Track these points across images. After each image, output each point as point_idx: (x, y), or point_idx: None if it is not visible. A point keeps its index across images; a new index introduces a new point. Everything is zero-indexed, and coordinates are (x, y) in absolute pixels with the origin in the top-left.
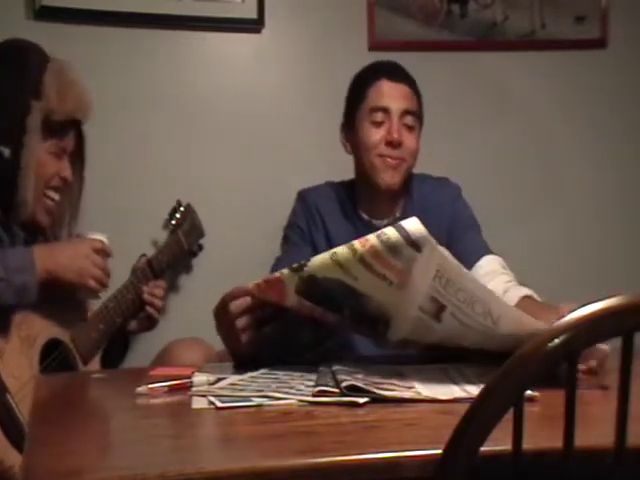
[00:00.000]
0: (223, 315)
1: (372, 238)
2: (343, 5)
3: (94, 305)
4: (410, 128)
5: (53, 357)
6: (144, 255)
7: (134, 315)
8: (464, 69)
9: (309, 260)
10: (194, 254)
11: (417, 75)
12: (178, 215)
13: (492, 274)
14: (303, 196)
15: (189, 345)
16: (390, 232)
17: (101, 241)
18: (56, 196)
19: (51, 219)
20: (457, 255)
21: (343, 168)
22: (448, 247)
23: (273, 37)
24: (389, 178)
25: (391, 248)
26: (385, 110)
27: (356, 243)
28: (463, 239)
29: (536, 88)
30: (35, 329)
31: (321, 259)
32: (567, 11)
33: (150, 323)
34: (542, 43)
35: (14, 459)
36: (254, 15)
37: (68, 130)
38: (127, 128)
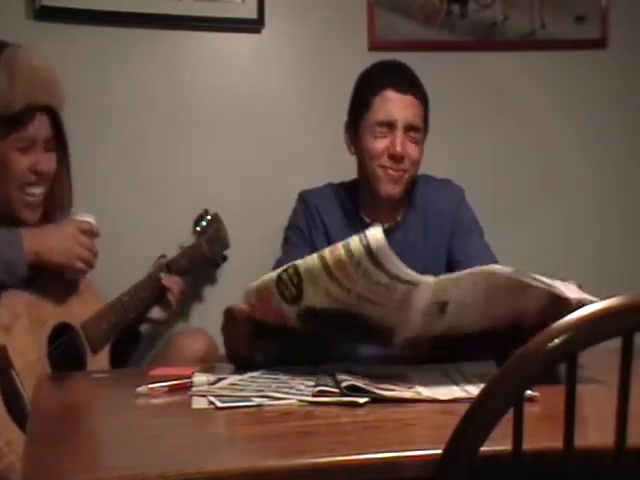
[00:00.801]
0: (230, 324)
1: (339, 247)
2: (343, 5)
3: (108, 297)
4: (414, 141)
5: (62, 340)
6: (163, 256)
7: (155, 302)
8: (464, 69)
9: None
10: (217, 264)
11: (417, 75)
12: (204, 223)
13: None
14: (304, 197)
15: (192, 335)
16: (353, 240)
17: (88, 222)
18: (36, 190)
19: (36, 213)
20: (459, 260)
21: (344, 168)
22: (450, 251)
23: (273, 37)
24: (390, 189)
25: (352, 258)
26: (390, 122)
27: (326, 252)
28: (465, 243)
29: (536, 88)
30: (46, 311)
31: (311, 262)
32: (567, 11)
33: (167, 313)
34: (542, 43)
35: (13, 434)
36: (254, 15)
37: (31, 118)
38: (126, 128)
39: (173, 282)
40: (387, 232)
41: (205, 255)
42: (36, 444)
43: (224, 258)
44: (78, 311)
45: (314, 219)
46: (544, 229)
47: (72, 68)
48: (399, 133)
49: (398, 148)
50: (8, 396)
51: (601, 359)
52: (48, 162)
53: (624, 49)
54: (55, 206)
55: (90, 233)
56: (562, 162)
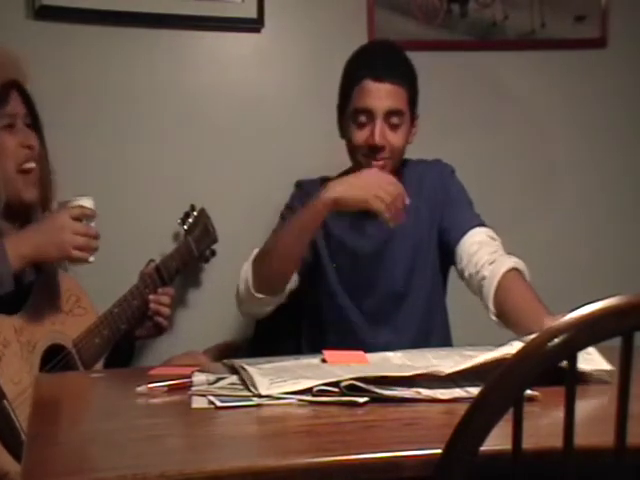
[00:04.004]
0: None
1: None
2: (343, 5)
3: (99, 311)
4: (395, 126)
5: (54, 363)
6: (152, 260)
7: (141, 322)
8: (464, 68)
9: None
10: (206, 259)
11: (417, 74)
12: (190, 220)
13: (477, 245)
14: (301, 185)
15: (185, 360)
16: None
17: (80, 206)
18: (32, 164)
19: (35, 191)
20: (448, 229)
21: (343, 167)
22: (440, 220)
23: (273, 37)
24: None
25: None
26: (369, 111)
27: None
28: (454, 212)
29: (536, 88)
30: (36, 335)
31: None
32: (567, 10)
33: (158, 330)
34: (542, 43)
35: (10, 466)
36: (254, 15)
37: (7, 95)
38: (126, 128)
39: (163, 298)
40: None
41: (193, 255)
42: (36, 444)
43: (213, 253)
44: (70, 329)
45: (309, 201)
46: (543, 229)
47: (72, 68)
48: (378, 122)
49: (376, 139)
50: (1, 427)
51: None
52: (33, 138)
53: (624, 49)
54: (47, 184)
55: (84, 217)
56: (562, 162)
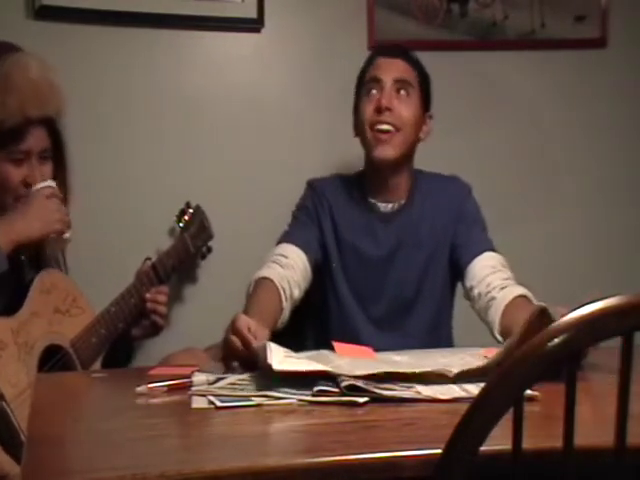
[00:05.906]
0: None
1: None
2: (343, 5)
3: (97, 309)
4: (404, 97)
5: (52, 363)
6: (149, 259)
7: (138, 322)
8: (464, 68)
9: None
10: (203, 256)
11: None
12: (186, 217)
13: (490, 269)
14: (312, 184)
15: (184, 358)
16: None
17: (49, 187)
18: None
19: None
20: (459, 248)
21: (343, 167)
22: (453, 237)
23: (273, 37)
24: (381, 151)
25: None
26: (378, 81)
27: None
28: (468, 233)
29: (536, 88)
30: (33, 335)
31: None
32: (567, 10)
33: (154, 329)
34: (542, 43)
35: (9, 466)
36: (254, 15)
37: (26, 132)
38: (126, 128)
39: (159, 296)
40: (392, 214)
41: (189, 251)
42: (36, 444)
43: (209, 249)
44: (67, 329)
45: (322, 202)
46: (543, 229)
47: (72, 68)
48: (387, 88)
49: (383, 100)
50: (0, 428)
51: (602, 358)
52: (42, 173)
53: (624, 49)
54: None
55: (54, 196)
56: (562, 161)
